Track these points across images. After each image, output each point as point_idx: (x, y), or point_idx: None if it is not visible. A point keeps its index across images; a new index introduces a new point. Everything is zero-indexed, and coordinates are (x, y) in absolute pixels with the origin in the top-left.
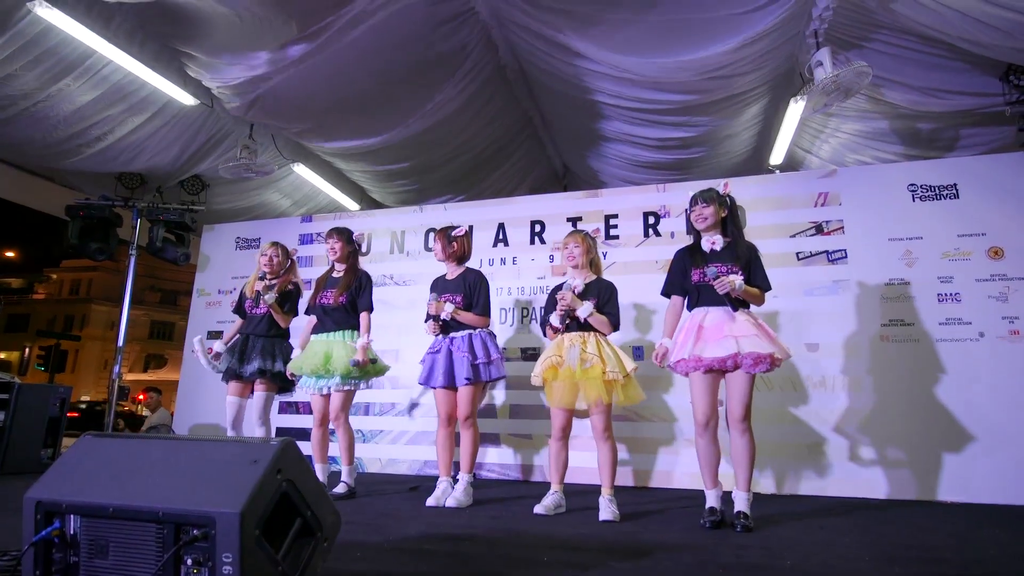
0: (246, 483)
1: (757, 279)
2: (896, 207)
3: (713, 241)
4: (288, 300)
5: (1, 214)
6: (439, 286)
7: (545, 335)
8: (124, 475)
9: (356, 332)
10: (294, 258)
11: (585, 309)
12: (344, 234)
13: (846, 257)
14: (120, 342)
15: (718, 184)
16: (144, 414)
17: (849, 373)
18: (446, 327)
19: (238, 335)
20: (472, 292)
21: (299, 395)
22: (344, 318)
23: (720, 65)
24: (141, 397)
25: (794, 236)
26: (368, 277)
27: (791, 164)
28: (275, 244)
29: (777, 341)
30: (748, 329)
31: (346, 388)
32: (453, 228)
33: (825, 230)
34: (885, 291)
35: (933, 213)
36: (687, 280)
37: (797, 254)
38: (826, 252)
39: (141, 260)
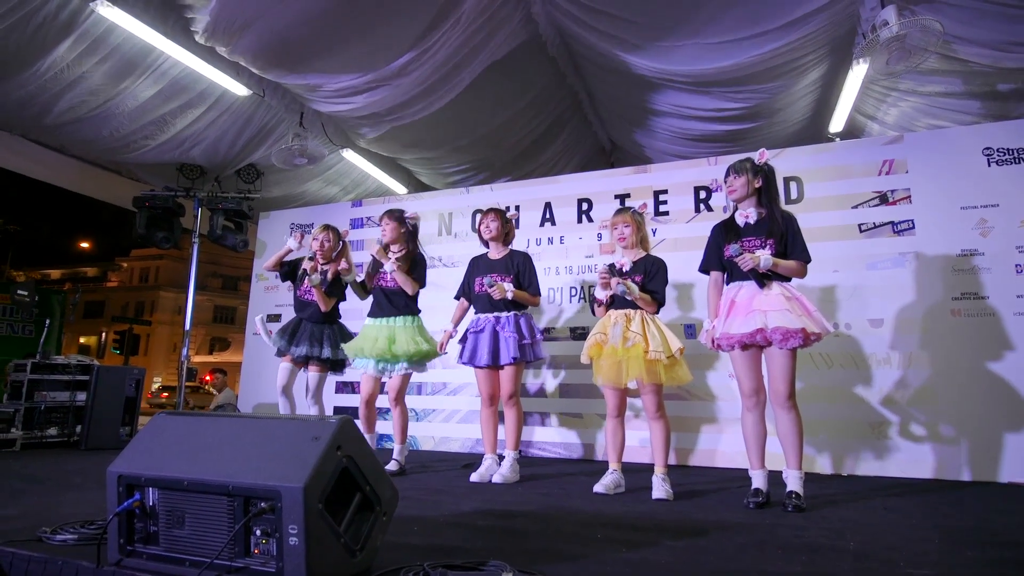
0: (308, 459)
1: (794, 251)
2: (970, 173)
3: (746, 214)
4: (336, 285)
5: (76, 207)
6: (482, 265)
7: (594, 313)
8: (196, 451)
9: (415, 317)
10: (346, 240)
11: (637, 291)
12: (395, 215)
13: (913, 228)
14: (187, 326)
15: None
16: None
17: (915, 350)
18: (495, 306)
19: (294, 317)
20: (522, 273)
21: (354, 375)
22: (405, 302)
23: (777, 35)
24: (208, 378)
25: (856, 207)
26: (423, 258)
27: (852, 131)
28: (327, 227)
29: (814, 315)
30: (778, 303)
31: (404, 372)
32: (506, 209)
33: (890, 200)
34: (956, 263)
35: (1011, 178)
36: (723, 255)
37: (859, 226)
38: (891, 223)
39: (203, 247)
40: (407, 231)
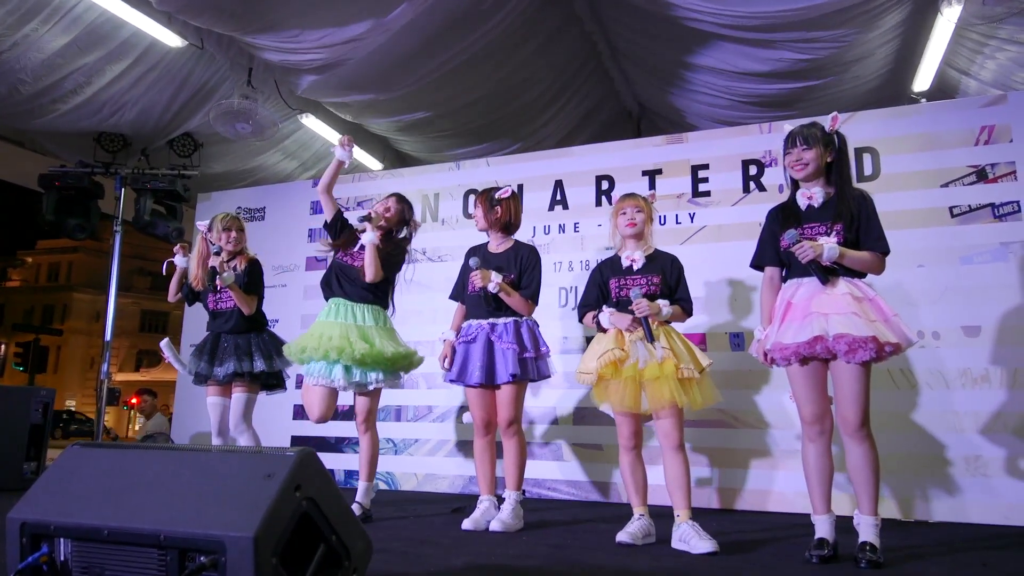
0: (260, 501)
1: (868, 239)
2: None
3: (811, 194)
4: (251, 278)
5: None
6: (480, 258)
7: (582, 321)
8: (120, 492)
9: (382, 311)
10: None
11: (665, 310)
12: (407, 205)
13: (1020, 211)
14: (107, 336)
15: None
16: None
17: (1022, 365)
18: (491, 311)
19: (207, 333)
20: (524, 271)
21: None
22: (376, 290)
23: None
24: (134, 401)
25: (947, 185)
26: (404, 247)
27: (942, 90)
28: (234, 217)
29: (891, 321)
30: (844, 305)
31: (370, 389)
32: (496, 189)
33: (990, 176)
34: None
35: None
36: (780, 246)
37: (951, 209)
38: (991, 206)
39: (127, 238)
40: (404, 223)
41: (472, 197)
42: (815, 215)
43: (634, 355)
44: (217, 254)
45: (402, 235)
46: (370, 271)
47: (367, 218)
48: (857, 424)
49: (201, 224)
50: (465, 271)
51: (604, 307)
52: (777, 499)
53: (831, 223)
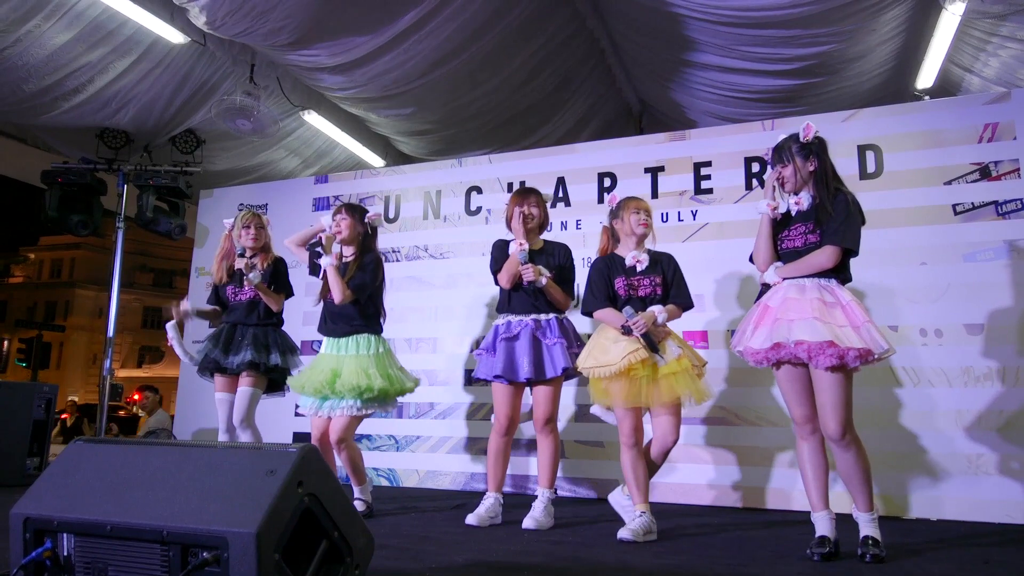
0: (262, 498)
1: (826, 233)
2: None
3: (798, 200)
4: (277, 278)
5: None
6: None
7: (590, 314)
8: (122, 488)
9: (372, 338)
10: (266, 225)
11: (660, 317)
12: (355, 210)
13: (1023, 209)
14: (110, 332)
15: (835, 120)
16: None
17: None
18: (535, 306)
19: (223, 324)
20: (564, 268)
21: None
22: (360, 321)
23: None
24: (136, 397)
25: (950, 183)
26: (376, 261)
27: (945, 87)
28: (253, 214)
29: (861, 328)
30: (809, 310)
31: (353, 413)
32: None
33: (993, 173)
34: None
35: None
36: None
37: (954, 207)
38: (995, 203)
39: (130, 234)
40: (364, 232)
41: (475, 194)
42: (801, 218)
43: (659, 354)
44: (242, 255)
45: (369, 252)
46: (336, 294)
47: (318, 244)
48: (839, 434)
49: (227, 221)
50: (501, 257)
51: (631, 319)
52: (775, 496)
53: (813, 225)
